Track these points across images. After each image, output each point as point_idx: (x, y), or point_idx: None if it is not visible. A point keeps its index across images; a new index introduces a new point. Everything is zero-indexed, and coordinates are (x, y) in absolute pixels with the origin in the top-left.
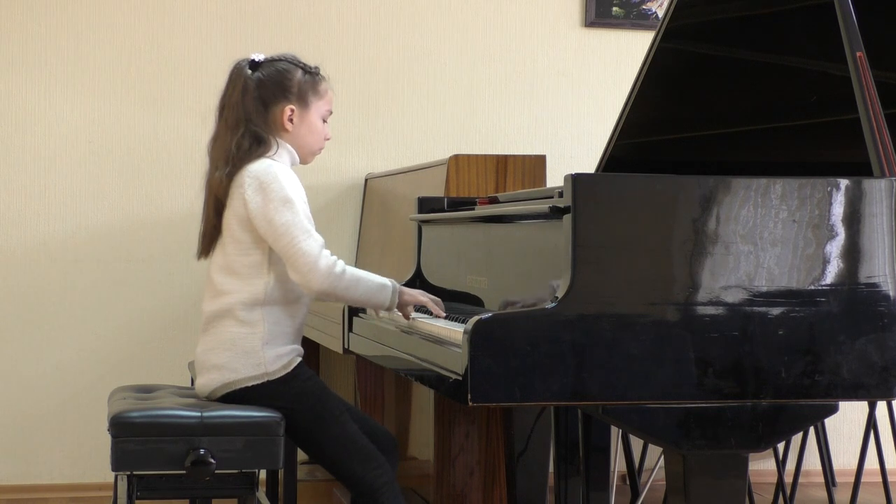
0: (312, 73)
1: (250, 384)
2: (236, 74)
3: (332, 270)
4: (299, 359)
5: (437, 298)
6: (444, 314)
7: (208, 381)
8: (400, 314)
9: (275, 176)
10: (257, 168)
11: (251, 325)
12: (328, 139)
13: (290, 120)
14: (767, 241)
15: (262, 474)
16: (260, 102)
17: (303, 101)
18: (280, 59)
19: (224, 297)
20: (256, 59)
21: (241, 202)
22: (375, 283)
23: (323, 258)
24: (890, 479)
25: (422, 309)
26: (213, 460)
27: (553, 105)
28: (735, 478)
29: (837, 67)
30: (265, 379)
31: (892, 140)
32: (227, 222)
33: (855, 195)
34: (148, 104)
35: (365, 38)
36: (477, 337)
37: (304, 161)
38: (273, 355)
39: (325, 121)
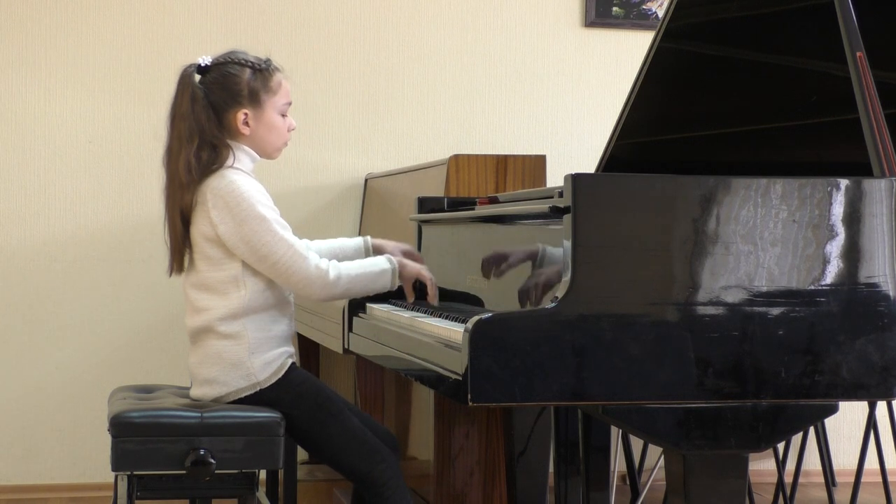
0: (262, 69)
1: (243, 395)
2: (184, 82)
3: (327, 280)
4: (291, 360)
5: (433, 279)
6: (435, 300)
7: (202, 395)
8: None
9: (240, 195)
10: (219, 186)
11: (235, 338)
12: (293, 130)
13: (246, 123)
14: (767, 241)
15: (262, 474)
16: (211, 110)
17: (255, 102)
18: (227, 62)
19: (203, 314)
20: (203, 64)
21: (207, 222)
22: (373, 272)
23: (314, 272)
24: (890, 479)
25: (420, 300)
26: (213, 460)
27: (553, 105)
28: (735, 478)
29: (837, 67)
30: (257, 388)
31: (892, 140)
32: (195, 239)
33: (855, 195)
34: (148, 104)
35: (365, 38)
36: (477, 337)
37: (270, 157)
38: (261, 363)
39: (284, 114)
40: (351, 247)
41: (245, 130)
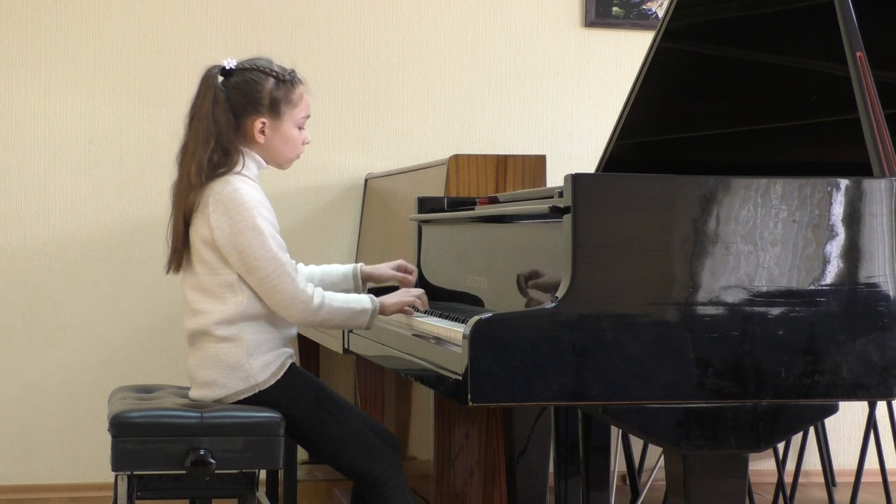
0: (285, 81)
1: (242, 397)
2: (207, 83)
3: (309, 305)
4: (290, 361)
5: (419, 291)
6: (427, 308)
7: (201, 397)
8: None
9: (242, 203)
10: (222, 191)
11: (233, 340)
12: (307, 143)
13: (262, 132)
14: (767, 241)
15: (262, 474)
16: (231, 114)
17: (274, 113)
18: (251, 68)
19: (200, 317)
20: (227, 67)
21: (206, 225)
22: (354, 310)
23: (298, 295)
24: (890, 479)
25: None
26: (213, 460)
27: (553, 105)
28: (735, 478)
29: (837, 67)
30: (256, 390)
31: (892, 140)
32: (193, 242)
33: (855, 195)
34: (148, 104)
35: (365, 38)
36: (477, 337)
37: (280, 167)
38: (260, 365)
39: (301, 127)
40: (339, 273)
41: (260, 139)
